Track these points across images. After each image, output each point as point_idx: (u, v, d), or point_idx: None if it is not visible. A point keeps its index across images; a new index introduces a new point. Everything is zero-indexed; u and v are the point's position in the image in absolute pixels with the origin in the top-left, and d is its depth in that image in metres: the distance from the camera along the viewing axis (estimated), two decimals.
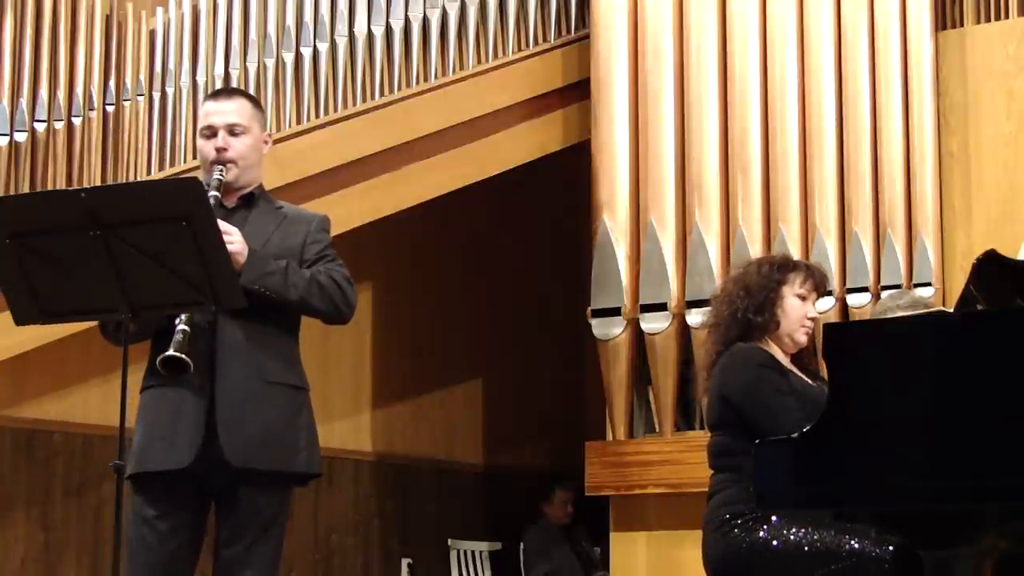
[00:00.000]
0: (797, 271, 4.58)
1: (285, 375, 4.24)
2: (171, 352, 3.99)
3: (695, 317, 7.39)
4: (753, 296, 4.50)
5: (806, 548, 4.16)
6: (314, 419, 4.32)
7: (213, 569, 4.22)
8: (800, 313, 4.53)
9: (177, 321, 4.03)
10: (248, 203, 4.37)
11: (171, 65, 7.12)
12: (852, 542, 4.10)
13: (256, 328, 4.18)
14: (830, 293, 6.77)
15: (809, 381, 4.47)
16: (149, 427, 4.19)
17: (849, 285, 7.29)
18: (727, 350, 4.49)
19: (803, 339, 4.54)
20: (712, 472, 4.49)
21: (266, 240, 4.27)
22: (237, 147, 4.33)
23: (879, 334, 3.72)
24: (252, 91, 7.18)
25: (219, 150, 4.31)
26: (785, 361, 4.52)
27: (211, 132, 4.34)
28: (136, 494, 4.19)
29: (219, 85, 7.13)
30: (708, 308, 7.14)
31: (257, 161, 4.41)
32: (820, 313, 6.99)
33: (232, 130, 4.34)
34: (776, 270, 4.56)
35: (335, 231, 7.25)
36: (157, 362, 4.04)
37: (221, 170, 4.28)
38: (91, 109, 6.87)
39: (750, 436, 4.03)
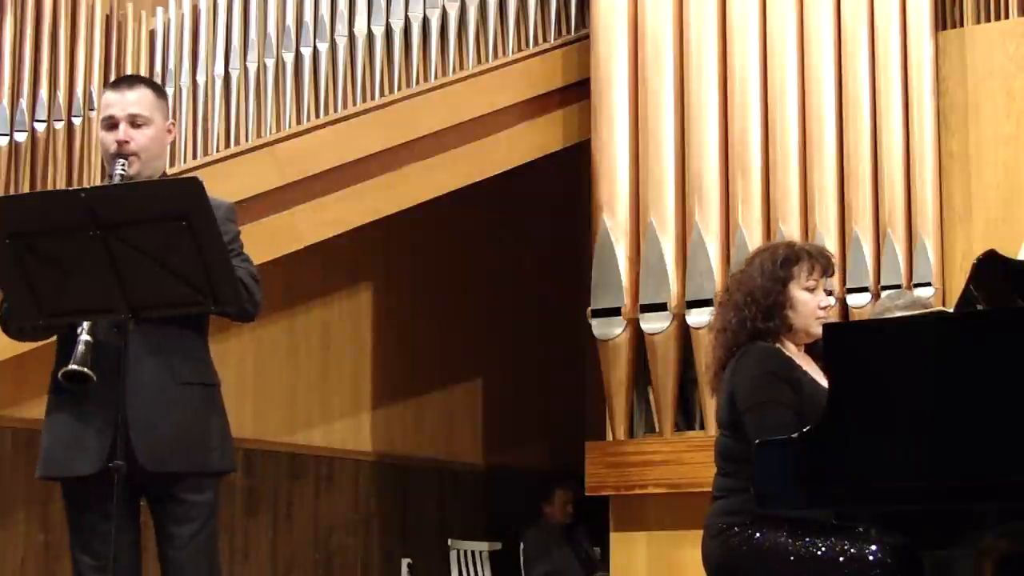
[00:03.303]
0: (800, 263, 4.37)
1: (195, 375, 4.17)
2: (72, 366, 3.89)
3: (695, 317, 7.40)
4: (759, 303, 4.31)
5: (806, 557, 4.11)
6: (226, 413, 4.24)
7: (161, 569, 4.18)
8: (812, 306, 4.35)
9: (79, 331, 3.93)
10: None
11: (171, 65, 7.11)
12: (852, 548, 4.06)
13: (164, 330, 4.09)
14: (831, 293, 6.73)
15: (820, 380, 4.27)
16: (56, 431, 4.13)
17: (849, 285, 7.28)
18: (740, 350, 4.32)
19: (819, 330, 4.30)
20: (716, 473, 4.44)
21: None
22: (139, 139, 4.20)
23: (879, 334, 3.72)
24: (252, 91, 7.18)
25: (120, 143, 4.19)
26: (799, 356, 4.37)
27: (112, 124, 4.22)
28: (64, 497, 4.15)
29: (219, 85, 7.13)
30: (709, 308, 7.29)
31: (160, 152, 4.29)
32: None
33: (134, 121, 4.21)
34: (780, 267, 4.36)
35: (335, 231, 7.34)
36: (59, 375, 3.96)
37: (123, 164, 4.17)
38: (91, 109, 6.85)
39: (750, 440, 3.99)
